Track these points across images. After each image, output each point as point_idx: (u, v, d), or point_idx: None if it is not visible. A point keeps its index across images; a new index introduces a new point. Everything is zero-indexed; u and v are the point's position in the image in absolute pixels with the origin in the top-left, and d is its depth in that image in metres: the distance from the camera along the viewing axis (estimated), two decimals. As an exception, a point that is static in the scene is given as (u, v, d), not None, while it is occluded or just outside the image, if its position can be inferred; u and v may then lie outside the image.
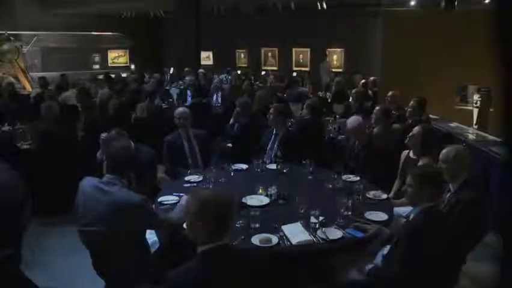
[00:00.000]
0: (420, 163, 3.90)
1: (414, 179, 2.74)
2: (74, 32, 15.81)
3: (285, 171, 4.25)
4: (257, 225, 3.02)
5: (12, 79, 11.48)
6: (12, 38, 12.84)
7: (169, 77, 12.60)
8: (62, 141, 5.40)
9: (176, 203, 3.39)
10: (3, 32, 12.62)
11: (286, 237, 2.91)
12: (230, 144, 5.92)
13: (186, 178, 4.09)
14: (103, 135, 4.09)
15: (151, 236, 3.27)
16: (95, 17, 15.75)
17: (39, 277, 3.54)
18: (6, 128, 6.33)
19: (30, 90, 11.92)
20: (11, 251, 3.17)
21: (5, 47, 12.53)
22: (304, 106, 6.10)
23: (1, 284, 3.13)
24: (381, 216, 3.23)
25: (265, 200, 3.50)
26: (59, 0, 14.46)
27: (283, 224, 3.05)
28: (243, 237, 2.89)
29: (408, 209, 3.40)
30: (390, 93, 6.81)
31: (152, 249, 3.21)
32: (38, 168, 5.01)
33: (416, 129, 4.13)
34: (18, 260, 3.34)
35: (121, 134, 4.02)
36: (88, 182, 2.99)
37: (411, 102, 5.85)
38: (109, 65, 17.65)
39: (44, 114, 5.67)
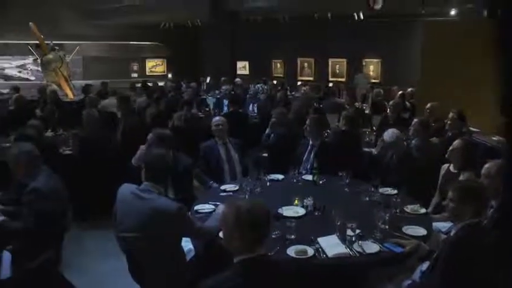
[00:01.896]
0: (461, 177, 3.79)
1: (456, 193, 2.67)
2: (114, 42, 16.25)
3: (321, 182, 4.21)
4: (293, 237, 3.00)
5: (55, 87, 11.88)
6: (56, 48, 13.31)
7: (205, 86, 12.75)
8: (102, 147, 5.54)
9: (212, 211, 3.41)
10: (49, 42, 13.10)
11: (322, 249, 2.88)
12: (266, 154, 5.92)
13: (222, 187, 4.12)
14: (142, 146, 4.17)
15: (186, 243, 3.29)
16: (135, 27, 16.14)
17: (77, 279, 3.66)
18: (49, 133, 6.54)
19: (72, 97, 12.31)
20: (53, 253, 3.28)
21: (50, 56, 12.98)
22: (341, 117, 6.04)
23: (43, 284, 3.23)
24: (420, 231, 3.16)
25: (301, 211, 3.48)
26: (101, 12, 14.92)
27: (319, 236, 3.02)
28: (278, 248, 2.88)
29: (448, 224, 3.32)
30: (429, 104, 6.66)
31: (187, 257, 3.23)
32: (78, 174, 5.14)
33: (457, 142, 4.02)
34: (58, 261, 3.45)
35: (161, 138, 4.08)
36: (126, 189, 3.05)
37: (451, 114, 5.70)
38: (147, 73, 18.03)
39: (85, 121, 5.83)
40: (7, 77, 15.48)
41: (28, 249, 3.22)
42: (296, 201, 3.59)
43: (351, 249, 2.88)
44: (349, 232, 2.99)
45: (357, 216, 3.23)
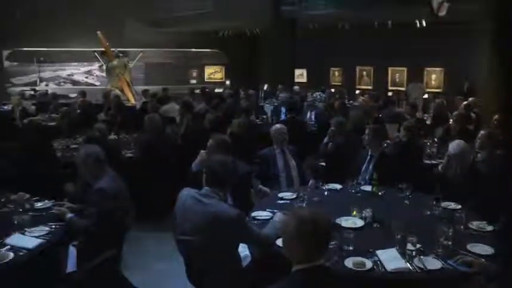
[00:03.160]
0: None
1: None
2: (175, 49, 16.74)
3: (380, 194, 4.11)
4: (350, 248, 2.95)
5: (118, 92, 12.40)
6: (121, 55, 13.93)
7: (263, 94, 12.82)
8: (162, 151, 5.69)
9: (269, 219, 3.40)
10: (114, 49, 13.72)
11: (380, 262, 2.81)
12: (323, 163, 5.87)
13: (280, 195, 4.11)
14: (202, 151, 4.24)
15: (243, 249, 3.31)
16: (194, 35, 16.54)
17: (135, 279, 3.77)
18: (112, 137, 6.80)
19: (134, 102, 12.78)
20: (115, 252, 3.41)
21: (115, 62, 13.61)
22: (402, 127, 5.88)
23: (104, 280, 3.36)
24: (486, 249, 3.00)
25: (359, 223, 3.41)
26: (163, 20, 15.44)
27: (378, 249, 2.94)
28: (336, 259, 2.83)
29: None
30: (496, 116, 6.37)
31: (244, 263, 3.24)
32: (139, 176, 5.30)
33: (529, 156, 3.81)
34: (119, 260, 3.58)
35: (219, 144, 4.14)
36: (187, 193, 3.11)
37: (521, 127, 5.42)
38: (205, 80, 18.40)
39: (147, 126, 6.01)
40: (75, 82, 16.36)
41: (92, 247, 3.36)
42: (354, 212, 3.52)
43: (411, 264, 2.78)
44: (409, 246, 2.89)
45: (418, 230, 3.11)
